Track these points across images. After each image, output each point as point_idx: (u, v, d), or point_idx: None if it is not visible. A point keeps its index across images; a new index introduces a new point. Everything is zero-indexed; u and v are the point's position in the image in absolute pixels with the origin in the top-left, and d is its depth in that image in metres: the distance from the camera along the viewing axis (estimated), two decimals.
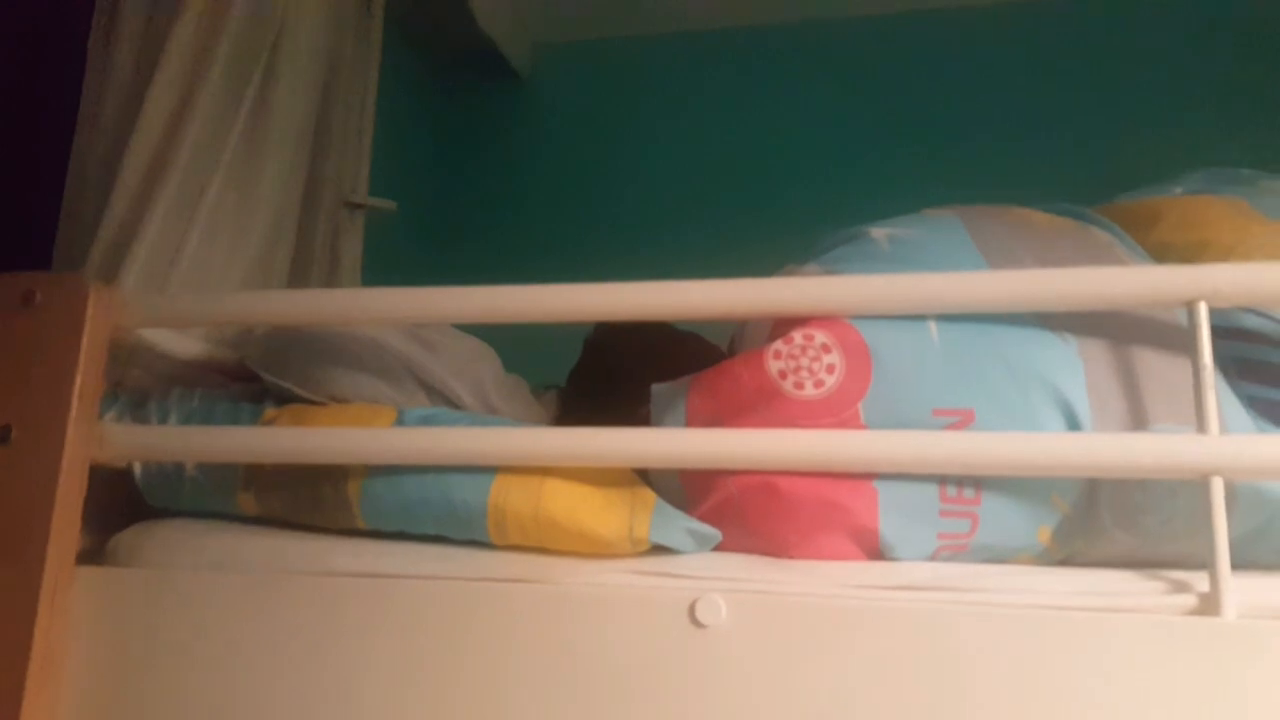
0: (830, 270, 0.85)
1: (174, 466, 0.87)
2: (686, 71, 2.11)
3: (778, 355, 0.79)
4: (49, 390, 0.80)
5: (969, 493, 0.77)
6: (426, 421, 0.85)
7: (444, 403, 0.97)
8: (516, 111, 2.18)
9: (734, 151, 2.03)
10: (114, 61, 1.12)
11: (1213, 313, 0.75)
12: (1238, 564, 0.70)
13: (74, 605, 0.79)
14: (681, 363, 0.90)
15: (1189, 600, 0.71)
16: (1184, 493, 0.76)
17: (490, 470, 0.79)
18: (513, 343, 1.20)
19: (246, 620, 0.78)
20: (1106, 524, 0.79)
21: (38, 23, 1.33)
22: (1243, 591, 0.70)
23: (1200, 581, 0.72)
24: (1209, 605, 0.70)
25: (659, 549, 0.79)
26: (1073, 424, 0.77)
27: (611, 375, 0.94)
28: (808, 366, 0.78)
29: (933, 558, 0.79)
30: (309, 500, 0.83)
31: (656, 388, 0.85)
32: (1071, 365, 0.79)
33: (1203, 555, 0.70)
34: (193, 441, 0.84)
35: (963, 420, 0.77)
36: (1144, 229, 0.98)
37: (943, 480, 0.77)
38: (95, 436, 0.82)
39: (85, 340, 0.81)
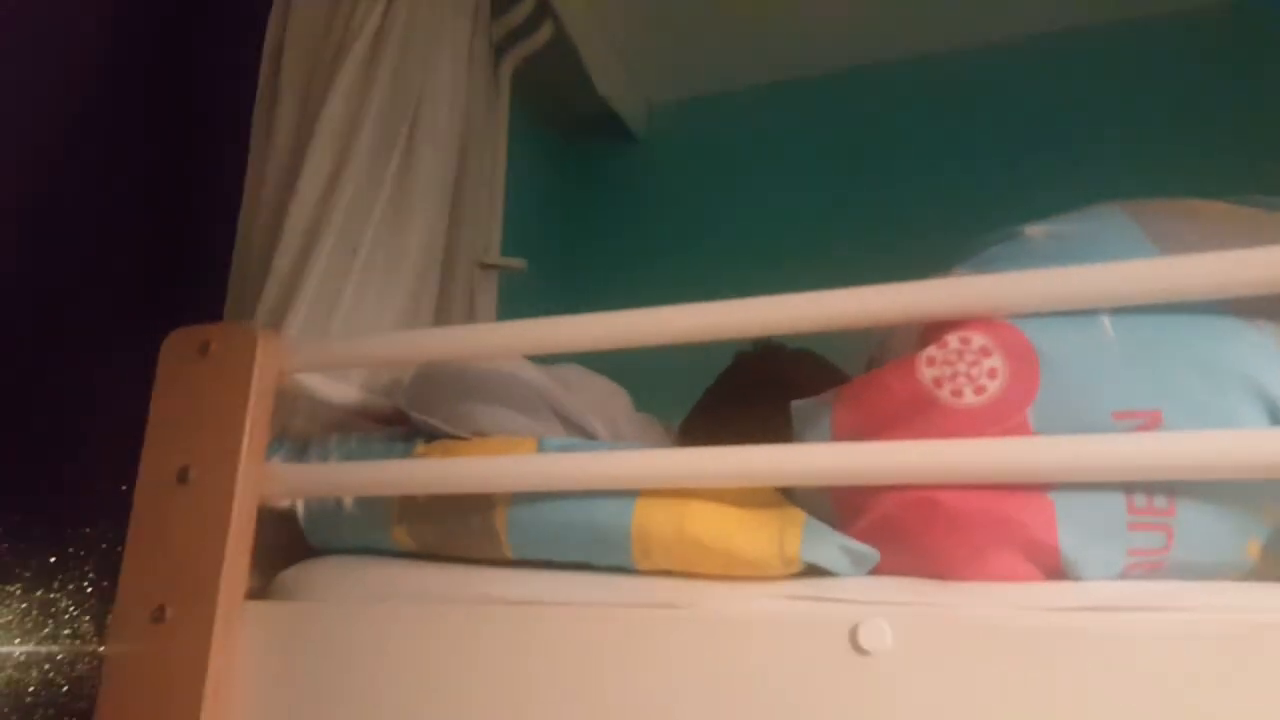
0: (983, 273, 0.80)
1: (333, 503, 0.91)
2: (794, 119, 2.12)
3: (931, 361, 0.75)
4: (223, 432, 0.85)
5: (1161, 502, 0.70)
6: (566, 449, 0.86)
7: (579, 434, 0.98)
8: (633, 170, 2.24)
9: (848, 196, 2.02)
10: (273, 143, 1.23)
11: None
12: None
13: (243, 638, 0.82)
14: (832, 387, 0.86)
15: None
16: None
17: (633, 494, 0.78)
18: (645, 386, 1.22)
19: (403, 648, 0.79)
20: None
21: (199, 109, 1.47)
22: None
23: None
24: None
25: (812, 571, 0.75)
26: (1277, 421, 0.69)
27: (765, 393, 0.91)
28: (966, 372, 0.73)
29: (1123, 576, 0.72)
30: (459, 531, 0.85)
31: (797, 403, 0.82)
32: (1270, 356, 0.70)
33: None
34: (350, 476, 0.88)
35: (1149, 423, 0.70)
36: None
37: (1129, 489, 0.70)
38: (264, 475, 0.87)
39: (255, 383, 0.86)
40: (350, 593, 0.86)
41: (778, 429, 0.82)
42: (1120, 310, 0.73)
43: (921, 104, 2.02)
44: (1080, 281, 0.73)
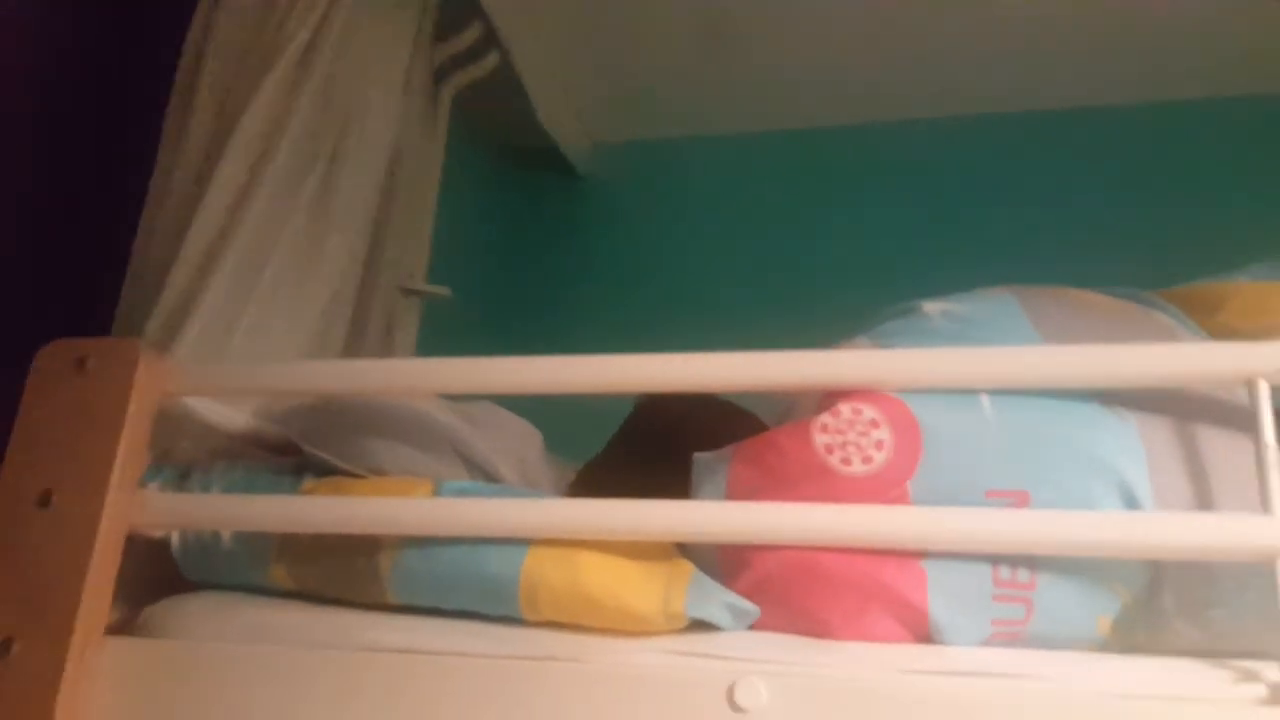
0: (880, 344, 0.85)
1: (210, 537, 0.88)
2: (740, 171, 2.16)
3: (824, 429, 0.78)
4: (93, 455, 0.82)
5: (1023, 576, 0.74)
6: (464, 493, 0.85)
7: (484, 478, 0.97)
8: (575, 208, 2.25)
9: (786, 251, 2.06)
10: (184, 150, 1.19)
11: (1277, 394, 0.72)
12: None
13: (101, 674, 0.78)
14: (732, 438, 0.88)
15: (1258, 690, 0.67)
16: (1255, 586, 0.71)
17: (524, 543, 0.78)
18: (561, 427, 1.20)
19: (270, 693, 0.76)
20: (1171, 616, 0.76)
21: (108, 109, 1.43)
22: None
23: (1271, 671, 0.68)
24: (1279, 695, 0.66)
25: (698, 628, 0.77)
26: (1133, 509, 0.75)
27: (663, 443, 0.93)
28: (855, 442, 0.77)
29: (986, 644, 0.76)
30: (341, 573, 0.83)
31: (699, 456, 0.84)
32: (1133, 448, 0.76)
33: (1276, 649, 0.67)
34: (228, 510, 0.85)
35: (1017, 502, 0.75)
36: (1208, 314, 0.96)
37: (996, 562, 0.74)
38: (135, 503, 0.83)
39: (132, 406, 0.83)
40: (221, 632, 0.83)
41: (674, 481, 0.83)
42: (998, 391, 0.77)
43: (857, 171, 2.09)
44: (966, 362, 0.77)
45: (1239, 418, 0.76)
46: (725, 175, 2.16)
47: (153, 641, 0.83)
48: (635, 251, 2.15)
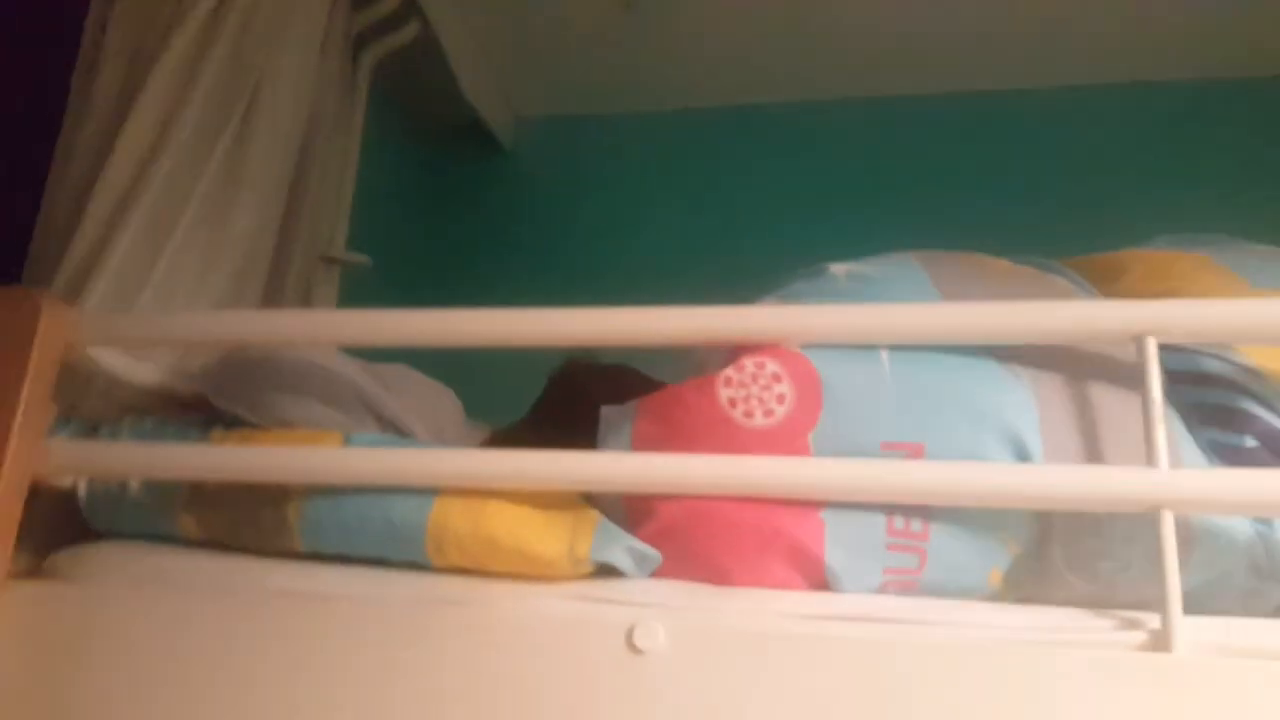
0: (785, 303, 0.87)
1: (118, 486, 0.87)
2: (663, 147, 2.18)
3: (728, 383, 0.80)
4: None
5: (916, 526, 0.77)
6: (374, 444, 0.85)
7: (395, 433, 0.97)
8: (498, 180, 2.25)
9: (709, 227, 2.09)
10: (92, 106, 1.16)
11: (1172, 357, 0.76)
12: (1202, 613, 0.70)
13: (3, 618, 0.78)
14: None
15: (1139, 636, 0.71)
16: (1140, 539, 0.75)
17: (432, 492, 0.79)
18: (482, 391, 1.21)
19: (177, 637, 0.77)
20: (1060, 568, 0.79)
21: (30, 46, 1.39)
22: (1195, 630, 0.69)
23: (1152, 620, 0.71)
24: (1160, 642, 0.69)
25: (602, 574, 0.78)
26: (1024, 461, 0.77)
27: (574, 410, 0.94)
28: (758, 395, 0.79)
29: (879, 592, 0.78)
30: (248, 522, 0.83)
31: (605, 410, 0.86)
32: (1025, 404, 0.79)
33: (1158, 600, 0.70)
34: (136, 457, 0.85)
35: (912, 454, 0.77)
36: (1110, 281, 1.00)
37: (890, 511, 0.77)
38: (40, 452, 0.82)
39: (35, 353, 0.82)
40: (127, 577, 0.83)
41: (581, 444, 0.85)
42: (898, 348, 0.80)
43: (778, 148, 2.12)
44: (865, 318, 0.80)
45: (1130, 376, 0.79)
46: (648, 151, 2.19)
47: (56, 584, 0.82)
48: (557, 226, 2.16)
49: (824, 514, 0.77)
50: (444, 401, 1.19)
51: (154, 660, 0.76)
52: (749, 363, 0.80)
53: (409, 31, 1.75)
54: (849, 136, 2.09)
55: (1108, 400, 0.81)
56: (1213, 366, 0.85)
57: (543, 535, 0.77)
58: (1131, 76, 1.98)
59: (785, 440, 0.78)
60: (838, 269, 0.90)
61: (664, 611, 0.74)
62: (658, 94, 2.16)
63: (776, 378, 0.79)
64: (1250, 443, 0.81)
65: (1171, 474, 0.72)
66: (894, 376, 0.79)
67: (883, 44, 1.94)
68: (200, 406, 1.00)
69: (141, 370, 0.98)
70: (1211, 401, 0.85)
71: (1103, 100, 2.00)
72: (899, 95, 2.06)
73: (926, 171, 2.01)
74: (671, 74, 2.10)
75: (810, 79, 2.07)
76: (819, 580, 0.78)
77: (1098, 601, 0.78)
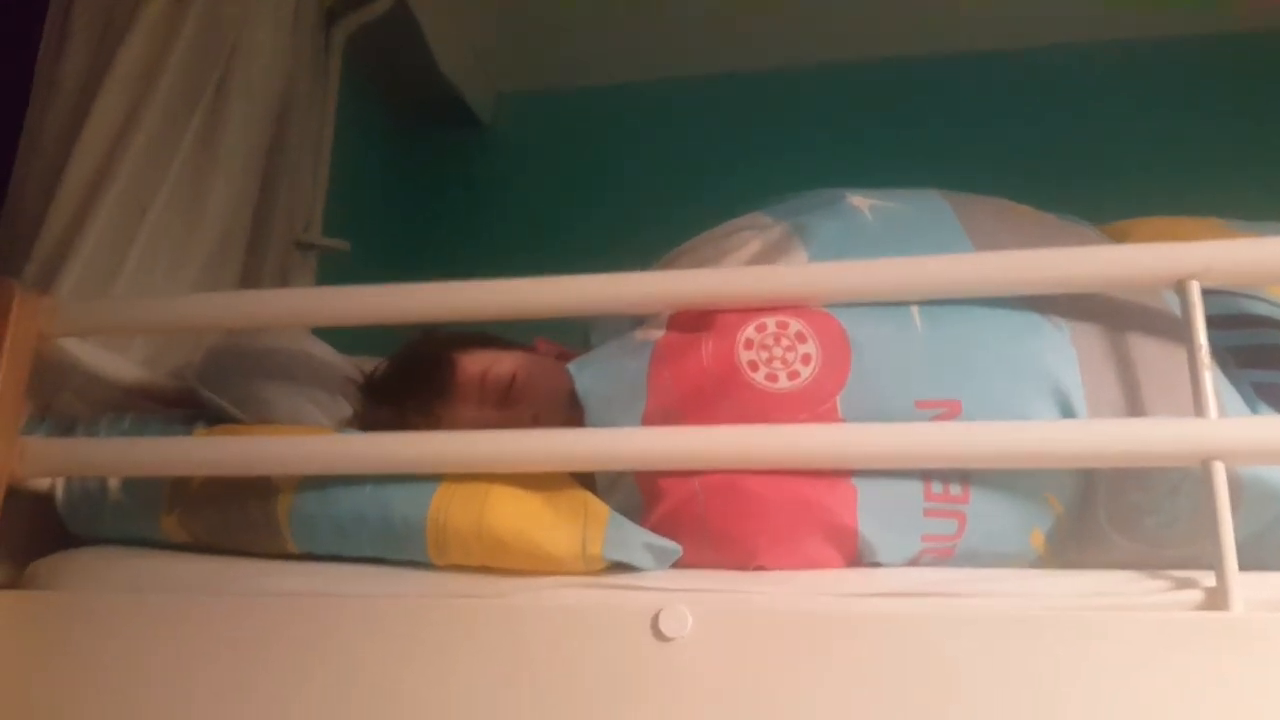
0: (803, 234, 0.83)
1: (97, 487, 0.85)
2: (645, 121, 2.16)
3: (749, 344, 0.77)
4: None
5: (955, 489, 0.75)
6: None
7: None
8: (478, 157, 2.22)
9: (692, 201, 2.06)
10: (59, 87, 1.14)
11: (1211, 301, 0.74)
12: (1245, 567, 0.68)
13: None
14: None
15: (1195, 596, 0.69)
16: (1186, 490, 0.74)
17: (431, 483, 0.76)
18: None
19: (169, 643, 0.74)
20: (1104, 526, 0.77)
21: None
22: (1249, 587, 0.68)
23: (1206, 578, 0.70)
24: (1216, 600, 0.68)
25: (616, 566, 0.76)
26: (1067, 414, 0.76)
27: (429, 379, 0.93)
28: (781, 357, 0.76)
29: (915, 562, 0.77)
30: (236, 522, 0.80)
31: (571, 364, 0.81)
32: (1065, 353, 0.77)
33: (1208, 558, 0.68)
34: (116, 454, 0.82)
35: (948, 412, 0.75)
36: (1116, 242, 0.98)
37: (927, 476, 0.75)
38: (14, 451, 0.80)
39: (7, 345, 0.79)
40: (113, 583, 0.81)
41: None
42: (928, 301, 0.77)
43: (763, 118, 2.11)
44: (896, 275, 0.77)
45: (1170, 323, 0.78)
46: (631, 125, 2.17)
47: (41, 594, 0.80)
48: (539, 204, 2.14)
49: (856, 481, 0.74)
50: None
51: (142, 668, 0.74)
52: (770, 321, 0.77)
53: (382, 4, 1.72)
54: (834, 103, 2.07)
55: (1150, 350, 0.79)
56: (1253, 308, 0.84)
57: (552, 534, 0.74)
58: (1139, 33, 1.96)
59: (812, 403, 0.75)
60: (857, 201, 0.87)
61: (690, 595, 0.71)
62: (639, 66, 2.14)
63: (801, 337, 0.77)
64: None
65: (1222, 423, 0.71)
66: (925, 330, 0.76)
67: (865, 8, 1.94)
68: (181, 403, 0.98)
69: (116, 364, 0.96)
70: (1254, 343, 0.84)
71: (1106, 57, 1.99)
72: (885, 58, 2.05)
73: (917, 137, 1.99)
74: (653, 46, 2.08)
75: (794, 45, 2.06)
76: (852, 553, 0.75)
77: (1143, 563, 0.77)
